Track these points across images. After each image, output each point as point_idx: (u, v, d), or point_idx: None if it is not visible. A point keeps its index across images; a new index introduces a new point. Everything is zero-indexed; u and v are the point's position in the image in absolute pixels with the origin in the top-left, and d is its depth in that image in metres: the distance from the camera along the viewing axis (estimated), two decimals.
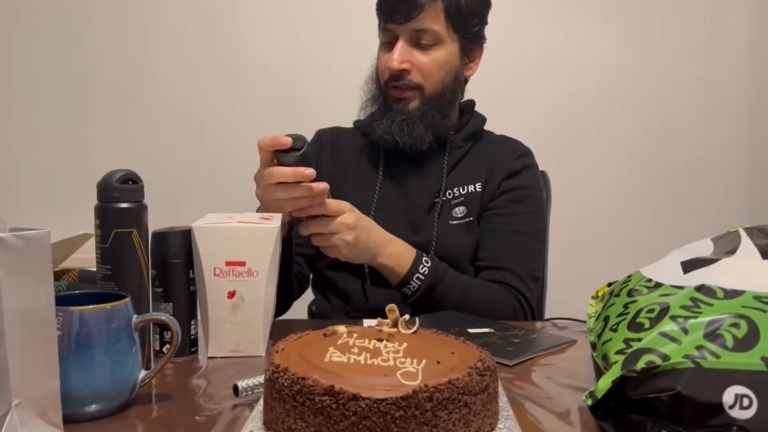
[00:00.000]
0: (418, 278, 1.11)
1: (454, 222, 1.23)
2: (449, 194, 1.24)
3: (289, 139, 0.99)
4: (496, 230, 1.23)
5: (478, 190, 1.24)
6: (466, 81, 1.30)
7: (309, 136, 1.39)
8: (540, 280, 1.32)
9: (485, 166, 1.26)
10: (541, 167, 1.48)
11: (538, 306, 1.39)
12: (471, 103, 1.34)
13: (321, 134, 1.38)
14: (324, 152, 1.33)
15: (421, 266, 1.11)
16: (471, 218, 1.23)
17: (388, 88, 1.21)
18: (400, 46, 1.18)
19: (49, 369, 0.60)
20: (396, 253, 1.11)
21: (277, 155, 1.00)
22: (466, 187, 1.24)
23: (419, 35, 1.17)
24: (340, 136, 1.36)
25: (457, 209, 1.23)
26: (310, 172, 0.98)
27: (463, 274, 1.18)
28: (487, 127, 1.35)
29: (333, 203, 1.04)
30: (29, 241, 0.57)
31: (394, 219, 1.22)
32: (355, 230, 1.04)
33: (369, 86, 1.27)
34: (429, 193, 1.24)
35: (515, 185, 1.26)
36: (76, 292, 0.73)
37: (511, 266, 1.20)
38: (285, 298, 1.17)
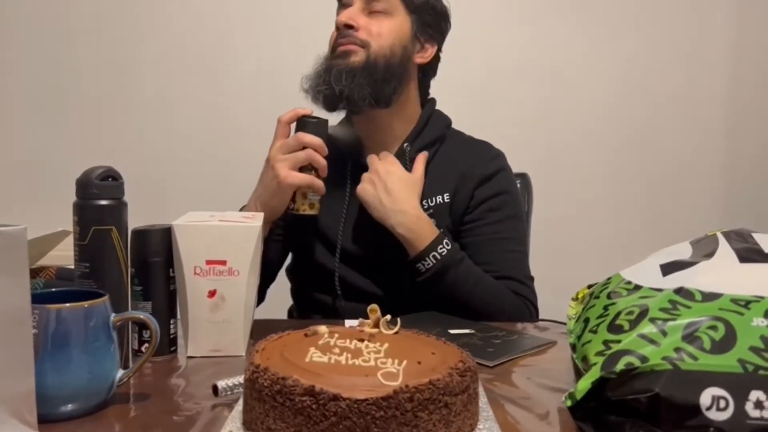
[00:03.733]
0: (434, 256, 1.11)
1: None
2: None
3: (309, 109, 1.13)
4: (484, 242, 1.22)
5: (446, 200, 1.22)
6: (427, 73, 1.29)
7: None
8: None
9: (453, 175, 1.23)
10: (522, 169, 1.49)
11: None
12: (431, 103, 1.31)
13: None
14: None
15: (440, 247, 1.12)
16: (441, 230, 1.20)
17: (334, 50, 1.19)
18: (353, 7, 1.18)
19: (24, 368, 0.59)
20: (417, 228, 1.12)
21: (299, 126, 1.12)
22: (434, 198, 1.22)
23: (372, 3, 1.18)
24: None
25: None
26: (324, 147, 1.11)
27: (478, 267, 1.17)
28: (471, 129, 1.34)
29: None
30: (5, 236, 0.56)
31: (364, 234, 1.22)
32: (374, 182, 1.13)
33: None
34: None
35: (491, 193, 1.24)
36: (53, 289, 0.72)
37: (507, 273, 1.20)
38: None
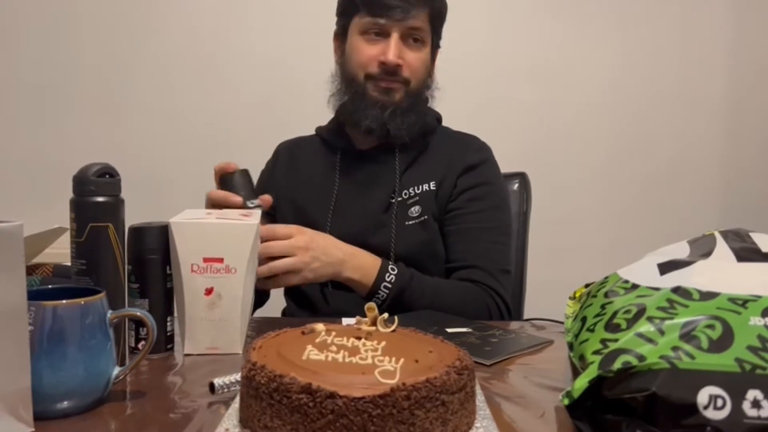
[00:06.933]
0: (385, 287, 1.11)
1: (410, 222, 1.23)
2: (405, 194, 1.24)
3: (233, 166, 1.09)
4: (462, 230, 1.24)
5: (432, 188, 1.24)
6: None
7: (289, 135, 1.40)
8: (512, 274, 1.31)
9: (440, 165, 1.26)
10: (521, 170, 1.49)
11: (517, 306, 1.39)
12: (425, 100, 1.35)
13: (279, 149, 1.40)
14: (277, 166, 1.35)
15: (387, 275, 1.11)
16: (426, 217, 1.23)
17: (376, 79, 1.21)
18: (395, 41, 1.18)
19: (19, 365, 0.59)
20: (360, 265, 1.11)
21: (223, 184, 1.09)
22: (420, 186, 1.24)
23: (413, 33, 1.20)
24: (299, 145, 1.37)
25: (412, 209, 1.23)
26: (237, 199, 1.05)
27: (432, 277, 1.18)
28: (468, 128, 1.35)
29: (281, 228, 1.06)
30: (1, 233, 0.56)
31: (351, 222, 1.23)
32: (309, 251, 1.05)
33: (336, 80, 1.27)
34: (384, 195, 1.24)
35: (474, 183, 1.26)
36: (50, 286, 0.72)
37: (480, 263, 1.20)
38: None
